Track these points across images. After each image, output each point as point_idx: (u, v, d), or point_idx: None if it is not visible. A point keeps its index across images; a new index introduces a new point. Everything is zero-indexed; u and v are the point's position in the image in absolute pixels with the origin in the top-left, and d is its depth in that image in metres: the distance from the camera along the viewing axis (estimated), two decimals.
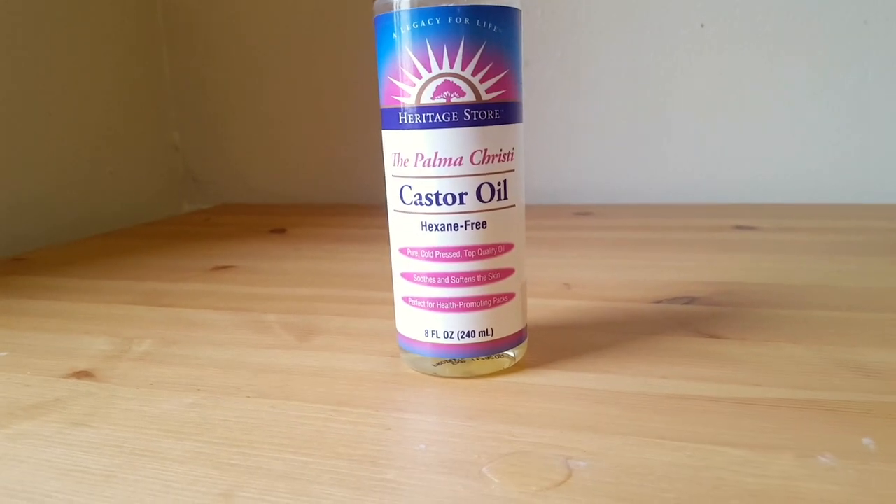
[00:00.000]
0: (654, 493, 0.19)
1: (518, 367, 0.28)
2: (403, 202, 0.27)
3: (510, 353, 0.28)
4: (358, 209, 0.72)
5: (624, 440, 0.22)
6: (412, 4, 0.25)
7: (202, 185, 0.85)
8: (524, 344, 0.29)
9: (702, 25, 0.65)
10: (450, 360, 0.28)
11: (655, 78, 0.67)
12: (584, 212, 0.65)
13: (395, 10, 0.25)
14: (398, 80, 0.26)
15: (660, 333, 0.31)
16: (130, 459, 0.22)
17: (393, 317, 0.29)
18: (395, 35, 0.25)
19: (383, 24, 0.26)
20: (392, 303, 0.29)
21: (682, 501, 0.18)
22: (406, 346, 0.28)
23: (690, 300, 0.36)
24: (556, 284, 0.40)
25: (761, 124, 0.65)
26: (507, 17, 0.25)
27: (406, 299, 0.28)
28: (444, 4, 0.24)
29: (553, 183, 0.71)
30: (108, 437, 0.23)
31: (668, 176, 0.68)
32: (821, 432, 0.22)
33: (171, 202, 0.84)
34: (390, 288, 0.30)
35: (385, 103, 0.27)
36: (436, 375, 0.28)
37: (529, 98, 0.68)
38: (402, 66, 0.25)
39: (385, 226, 0.29)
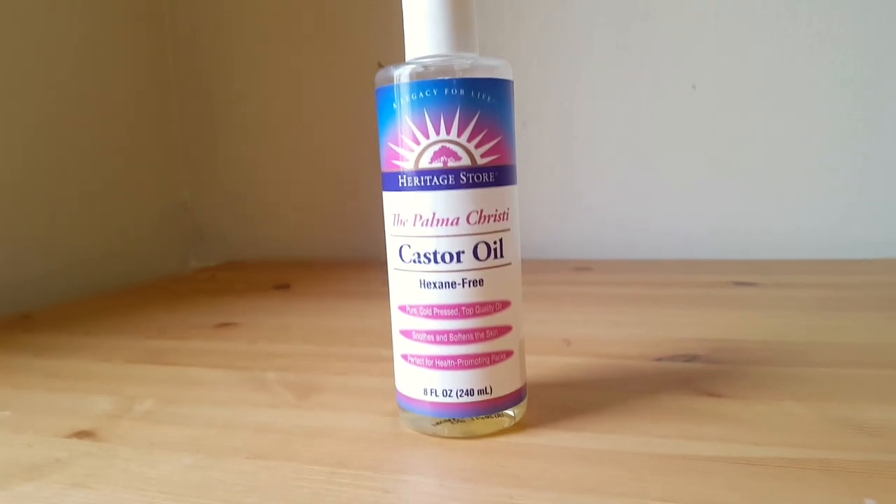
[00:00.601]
0: None
1: (518, 426, 0.28)
2: (402, 260, 0.27)
3: (510, 412, 0.28)
4: (363, 265, 0.73)
5: (625, 502, 0.22)
6: (411, 78, 0.26)
7: (210, 242, 0.86)
8: (524, 402, 0.29)
9: (693, 87, 0.67)
10: (449, 420, 0.28)
11: (651, 136, 0.68)
12: (583, 267, 0.66)
13: (395, 83, 0.26)
14: (398, 146, 0.27)
15: (660, 392, 0.31)
16: None
17: (392, 374, 0.30)
18: (395, 105, 0.26)
19: (384, 96, 0.27)
20: (392, 360, 0.30)
21: None
22: (405, 404, 0.29)
23: (691, 358, 0.36)
24: (555, 341, 0.40)
25: (758, 181, 0.66)
26: (499, 88, 0.26)
27: (405, 357, 0.28)
28: (440, 78, 0.26)
29: (552, 238, 0.72)
30: (107, 499, 0.23)
31: (666, 231, 0.69)
32: (822, 493, 0.22)
33: (179, 259, 0.84)
34: (391, 345, 0.30)
35: (385, 167, 0.27)
36: (435, 435, 0.28)
37: (528, 155, 0.69)
38: (401, 133, 0.26)
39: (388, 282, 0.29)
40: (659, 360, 0.36)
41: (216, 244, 0.86)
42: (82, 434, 0.29)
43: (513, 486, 0.23)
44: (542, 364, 0.36)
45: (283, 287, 0.64)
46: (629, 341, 0.40)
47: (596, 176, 0.71)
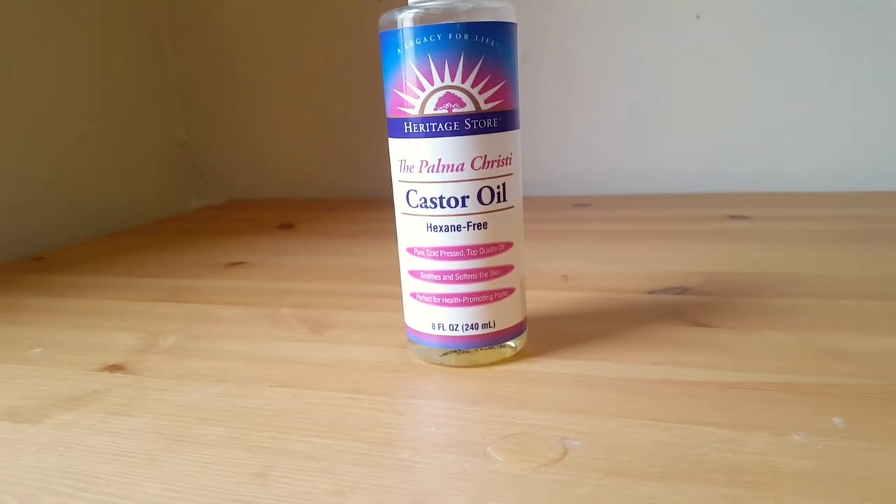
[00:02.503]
0: (642, 468, 0.21)
1: (518, 355, 0.30)
2: (410, 205, 0.29)
3: (511, 343, 0.30)
4: (363, 203, 0.74)
5: (616, 421, 0.24)
6: (415, 22, 0.27)
7: (209, 181, 0.87)
8: (524, 334, 0.31)
9: (697, 17, 0.67)
10: (455, 351, 0.30)
11: (653, 68, 0.68)
12: (582, 203, 0.67)
13: (399, 27, 0.27)
14: (403, 93, 0.28)
15: (652, 322, 0.33)
16: (169, 444, 0.24)
17: (398, 310, 0.31)
18: (399, 50, 0.27)
19: (388, 40, 0.28)
20: (397, 296, 0.32)
21: (667, 475, 0.21)
22: (414, 337, 0.31)
23: (682, 290, 0.38)
24: (554, 276, 0.42)
25: (755, 114, 0.67)
26: (503, 32, 0.27)
27: (414, 295, 0.30)
28: (444, 22, 0.26)
29: (553, 174, 0.73)
30: (146, 425, 0.26)
31: (666, 165, 0.70)
32: (796, 413, 0.24)
33: (180, 199, 0.86)
34: (396, 282, 0.32)
35: (391, 113, 0.29)
36: (442, 365, 0.30)
37: (527, 89, 0.70)
38: (406, 79, 0.27)
39: (389, 220, 0.31)
40: (651, 292, 0.38)
41: (216, 183, 0.87)
42: (113, 367, 0.32)
43: (514, 407, 0.25)
44: (541, 298, 0.38)
45: (287, 226, 0.66)
46: (624, 275, 0.42)
47: (596, 110, 0.71)
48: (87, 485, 0.22)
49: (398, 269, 0.30)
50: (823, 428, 0.23)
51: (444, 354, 0.30)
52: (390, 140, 0.29)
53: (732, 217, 0.56)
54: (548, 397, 0.26)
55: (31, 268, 0.53)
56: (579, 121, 0.72)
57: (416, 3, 0.28)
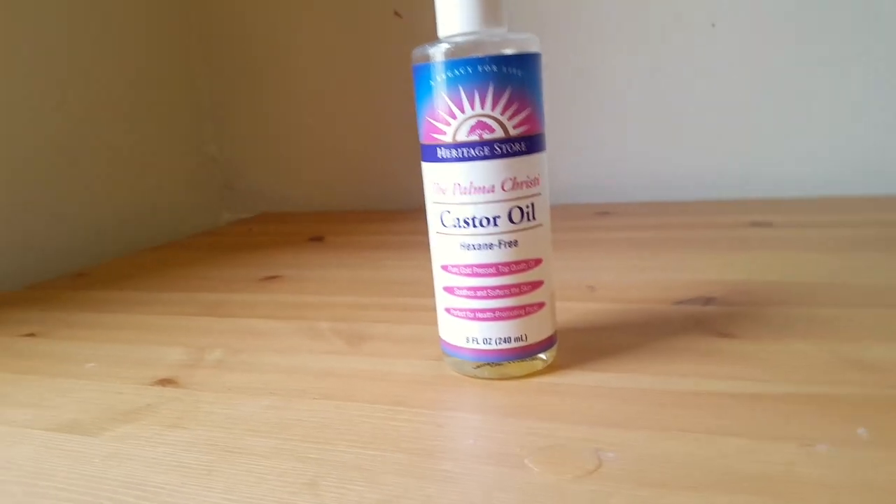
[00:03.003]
0: (674, 479, 0.22)
1: (550, 368, 0.32)
2: (444, 225, 0.30)
3: (542, 356, 0.31)
4: (390, 216, 0.76)
5: (647, 433, 0.25)
6: (445, 56, 0.28)
7: (239, 194, 0.90)
8: (555, 347, 0.32)
9: (713, 25, 0.67)
10: (488, 363, 0.31)
11: (671, 75, 0.69)
12: (603, 211, 0.68)
13: (431, 61, 0.28)
14: (436, 121, 0.29)
15: (679, 334, 0.34)
16: (224, 455, 0.26)
17: (430, 322, 0.33)
18: (431, 82, 0.29)
19: (421, 73, 0.29)
20: (428, 309, 0.33)
21: (698, 485, 0.22)
22: (449, 350, 0.32)
23: (708, 301, 0.39)
24: (580, 287, 0.43)
25: (777, 120, 0.67)
26: (528, 62, 0.29)
27: (448, 310, 0.31)
28: (473, 55, 0.28)
29: (572, 181, 0.74)
30: (201, 437, 0.27)
31: (685, 172, 0.71)
32: (821, 423, 0.25)
33: (211, 213, 0.88)
34: (428, 294, 0.33)
35: (425, 140, 0.30)
36: (476, 377, 0.31)
37: (547, 97, 0.71)
38: (438, 108, 0.29)
39: (415, 232, 0.32)
40: (678, 303, 0.39)
41: (247, 197, 0.89)
42: (164, 382, 0.33)
43: (549, 420, 0.27)
44: (568, 310, 0.39)
45: (317, 239, 0.67)
46: (650, 286, 0.43)
47: (615, 117, 0.72)
48: (151, 494, 0.23)
49: (427, 282, 0.32)
50: (848, 438, 0.24)
51: (478, 367, 0.31)
52: (424, 164, 0.31)
53: (754, 224, 0.57)
54: (579, 409, 0.27)
55: (74, 284, 0.56)
56: (598, 128, 0.73)
57: (446, 36, 0.29)
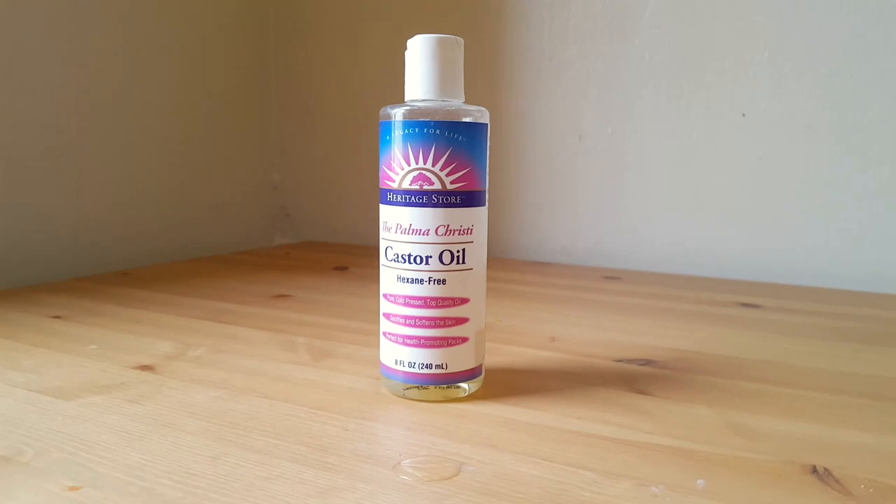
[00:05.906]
0: (510, 493, 0.25)
1: (471, 397, 0.35)
2: (387, 258, 0.35)
3: (464, 385, 0.35)
4: None
5: (513, 457, 0.28)
6: (403, 117, 0.33)
7: (294, 221, 0.98)
8: (479, 379, 0.36)
9: (743, 115, 0.70)
10: (416, 386, 0.35)
11: (699, 159, 0.72)
12: (613, 276, 0.71)
13: (391, 119, 0.34)
14: (389, 170, 0.34)
15: (602, 385, 0.37)
16: (159, 428, 0.30)
17: None
18: (389, 137, 0.34)
19: (384, 128, 0.34)
20: None
21: (527, 502, 0.25)
22: (384, 372, 0.36)
23: (647, 362, 0.42)
24: (543, 337, 0.47)
25: (793, 210, 0.69)
26: (472, 130, 0.33)
27: (385, 333, 0.36)
28: (422, 119, 0.33)
29: (593, 246, 0.77)
30: (149, 412, 0.32)
31: (702, 250, 0.73)
32: (669, 471, 0.27)
33: (265, 235, 0.96)
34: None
35: (381, 185, 0.35)
36: (404, 397, 0.35)
37: (580, 168, 0.75)
38: (392, 159, 0.34)
39: None
40: (618, 361, 0.42)
41: (300, 224, 0.97)
42: (144, 367, 0.39)
43: (439, 437, 0.30)
44: (521, 354, 0.43)
45: (342, 269, 0.73)
46: (605, 344, 0.45)
47: (641, 193, 0.75)
48: (87, 448, 0.28)
49: None
50: (685, 485, 0.26)
51: (407, 389, 0.35)
52: (380, 205, 0.36)
53: (744, 304, 0.58)
54: (471, 433, 0.31)
55: (116, 281, 0.63)
56: (624, 200, 0.76)
57: (410, 100, 0.34)
